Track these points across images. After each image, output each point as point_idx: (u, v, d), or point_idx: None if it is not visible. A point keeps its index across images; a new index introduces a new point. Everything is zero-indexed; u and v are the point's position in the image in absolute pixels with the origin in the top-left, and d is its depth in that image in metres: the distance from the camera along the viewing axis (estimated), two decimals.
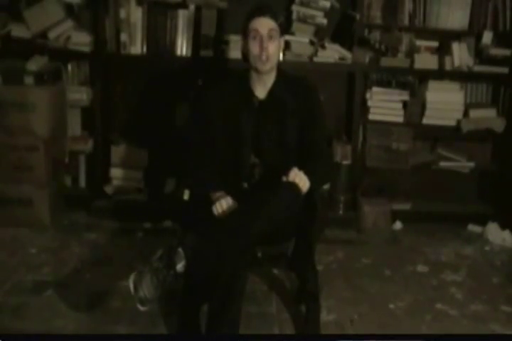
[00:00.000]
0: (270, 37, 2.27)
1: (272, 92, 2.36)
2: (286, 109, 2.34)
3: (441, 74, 3.46)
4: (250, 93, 2.37)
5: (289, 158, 2.34)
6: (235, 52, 3.26)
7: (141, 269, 2.06)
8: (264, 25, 2.27)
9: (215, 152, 2.37)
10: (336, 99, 3.45)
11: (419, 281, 2.93)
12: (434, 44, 3.46)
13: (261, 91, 2.36)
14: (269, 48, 2.26)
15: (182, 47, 3.36)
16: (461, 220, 3.57)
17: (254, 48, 2.28)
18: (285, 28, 2.48)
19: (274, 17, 2.29)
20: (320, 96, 2.43)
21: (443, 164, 3.58)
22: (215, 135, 2.37)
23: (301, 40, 3.33)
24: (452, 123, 3.49)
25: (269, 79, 2.36)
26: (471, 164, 3.59)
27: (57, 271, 2.83)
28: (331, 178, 3.29)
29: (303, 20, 3.32)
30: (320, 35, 3.39)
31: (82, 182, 3.63)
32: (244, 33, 2.32)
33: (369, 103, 3.46)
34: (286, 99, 2.34)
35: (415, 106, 3.48)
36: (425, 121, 3.50)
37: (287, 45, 3.29)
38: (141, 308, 2.05)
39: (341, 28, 3.47)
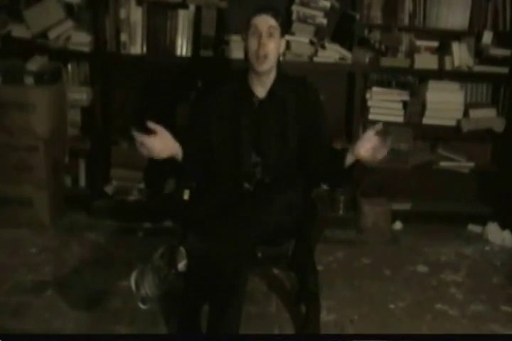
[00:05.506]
0: (270, 34, 2.26)
1: (271, 92, 2.35)
2: (287, 108, 2.33)
3: (441, 74, 3.46)
4: (250, 93, 2.36)
5: (289, 157, 2.34)
6: (235, 52, 3.26)
7: (143, 267, 2.06)
8: (265, 22, 2.26)
9: (213, 153, 2.37)
10: (336, 99, 3.45)
11: (419, 281, 2.93)
12: (434, 44, 3.46)
13: (261, 90, 2.36)
14: (267, 45, 2.24)
15: (182, 47, 3.36)
16: (461, 220, 3.57)
17: (252, 44, 2.26)
18: (286, 30, 2.47)
19: (275, 16, 2.28)
20: (320, 96, 2.43)
21: (443, 164, 3.58)
22: (214, 135, 2.36)
23: (301, 40, 3.33)
24: (452, 123, 3.49)
25: (269, 79, 2.35)
26: (471, 164, 3.59)
27: (57, 271, 2.83)
28: None
29: (303, 20, 3.32)
30: (320, 35, 3.38)
31: (82, 182, 3.63)
32: (246, 30, 2.31)
33: (369, 103, 3.46)
34: (286, 98, 2.34)
35: (415, 106, 3.48)
36: (425, 121, 3.49)
37: (287, 45, 3.29)
38: (142, 307, 2.06)
39: (341, 28, 3.47)
